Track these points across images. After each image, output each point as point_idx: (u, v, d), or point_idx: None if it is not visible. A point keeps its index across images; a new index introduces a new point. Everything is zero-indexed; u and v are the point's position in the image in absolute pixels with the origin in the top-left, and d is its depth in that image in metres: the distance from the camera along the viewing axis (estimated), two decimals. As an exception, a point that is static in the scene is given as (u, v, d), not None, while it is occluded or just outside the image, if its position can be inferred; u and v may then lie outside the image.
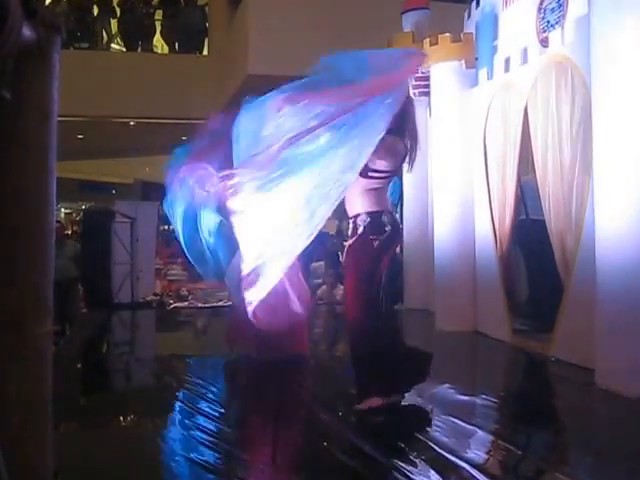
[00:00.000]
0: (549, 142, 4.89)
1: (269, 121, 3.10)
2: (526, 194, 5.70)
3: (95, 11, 13.26)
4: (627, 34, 3.74)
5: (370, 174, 3.35)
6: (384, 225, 3.43)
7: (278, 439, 3.35)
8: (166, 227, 12.90)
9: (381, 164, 3.35)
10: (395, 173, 3.58)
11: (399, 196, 7.42)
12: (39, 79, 1.60)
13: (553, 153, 4.84)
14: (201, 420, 3.35)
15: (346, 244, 3.51)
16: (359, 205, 3.44)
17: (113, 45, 13.75)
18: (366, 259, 3.41)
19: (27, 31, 1.49)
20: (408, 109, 3.42)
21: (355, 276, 3.45)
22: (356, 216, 3.45)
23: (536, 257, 5.57)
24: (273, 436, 3.40)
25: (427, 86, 6.41)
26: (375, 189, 3.45)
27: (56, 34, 1.63)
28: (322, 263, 9.19)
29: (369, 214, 3.42)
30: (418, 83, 6.61)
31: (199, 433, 3.15)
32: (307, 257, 5.25)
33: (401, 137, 3.42)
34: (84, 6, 13.10)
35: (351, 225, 3.48)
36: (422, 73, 6.41)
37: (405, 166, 3.56)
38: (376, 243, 3.39)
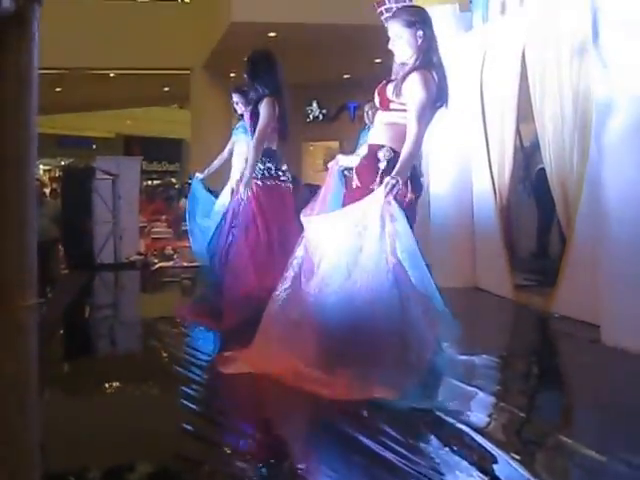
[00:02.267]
0: (547, 88, 4.69)
1: None
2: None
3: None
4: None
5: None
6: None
7: (270, 406, 3.15)
8: (149, 182, 12.67)
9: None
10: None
11: None
12: (19, 49, 1.59)
13: (553, 100, 4.65)
14: (188, 386, 3.19)
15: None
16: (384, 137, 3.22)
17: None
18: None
19: (6, 1, 1.50)
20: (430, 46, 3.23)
21: None
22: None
23: (541, 208, 5.43)
24: (265, 403, 3.20)
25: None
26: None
27: (35, 3, 1.63)
28: None
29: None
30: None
31: (186, 400, 3.00)
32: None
33: (428, 70, 3.20)
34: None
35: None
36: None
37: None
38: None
